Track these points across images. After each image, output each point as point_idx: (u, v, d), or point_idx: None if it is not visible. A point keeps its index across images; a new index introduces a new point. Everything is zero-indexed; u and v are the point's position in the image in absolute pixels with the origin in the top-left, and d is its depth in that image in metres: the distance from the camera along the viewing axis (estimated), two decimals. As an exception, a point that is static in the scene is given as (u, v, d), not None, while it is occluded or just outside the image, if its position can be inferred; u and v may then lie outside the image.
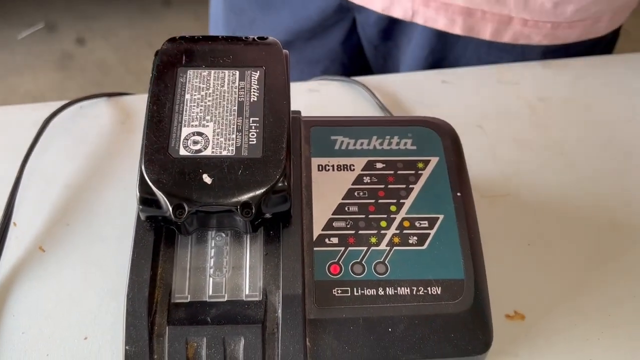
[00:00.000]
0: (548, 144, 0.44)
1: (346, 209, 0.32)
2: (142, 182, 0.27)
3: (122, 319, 0.28)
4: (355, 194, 0.32)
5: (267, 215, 0.28)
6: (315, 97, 0.46)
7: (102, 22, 1.49)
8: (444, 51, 0.51)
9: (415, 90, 0.46)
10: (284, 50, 0.32)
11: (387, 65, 0.57)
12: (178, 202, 0.27)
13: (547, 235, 0.39)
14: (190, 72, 0.31)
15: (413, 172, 0.33)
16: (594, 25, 0.49)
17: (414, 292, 0.30)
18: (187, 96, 0.30)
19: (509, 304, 0.36)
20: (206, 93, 0.30)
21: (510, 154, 0.43)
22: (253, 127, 0.29)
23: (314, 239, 0.31)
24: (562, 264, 0.38)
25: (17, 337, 0.33)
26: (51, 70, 1.37)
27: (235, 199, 0.27)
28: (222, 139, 0.29)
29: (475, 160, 0.34)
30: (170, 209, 0.27)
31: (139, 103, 0.45)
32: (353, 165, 0.33)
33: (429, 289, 0.30)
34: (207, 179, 0.27)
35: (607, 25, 0.50)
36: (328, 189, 0.32)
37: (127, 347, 0.28)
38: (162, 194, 0.27)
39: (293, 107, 0.31)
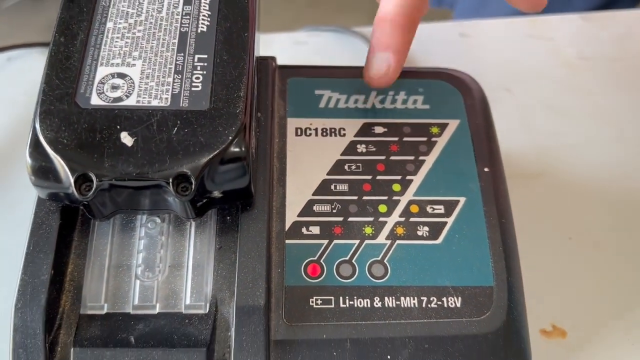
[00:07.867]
0: (592, 112, 0.35)
1: (332, 187, 0.23)
2: (35, 143, 0.19)
3: (8, 337, 0.20)
4: (346, 167, 0.24)
5: (216, 194, 0.20)
6: (302, 52, 0.37)
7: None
8: None
9: (428, 45, 0.37)
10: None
11: None
12: (83, 171, 0.18)
13: (592, 226, 0.31)
14: (116, -7, 0.22)
15: (425, 139, 0.25)
16: None
17: (424, 304, 0.21)
18: (109, 24, 0.21)
19: (545, 316, 0.28)
20: (136, 21, 0.21)
21: (545, 124, 0.35)
22: (198, 68, 0.20)
23: (287, 227, 0.22)
24: (612, 263, 0.30)
25: None
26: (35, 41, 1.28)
27: (166, 169, 0.19)
28: (153, 83, 0.20)
29: (502, 132, 0.26)
30: (72, 181, 0.18)
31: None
32: (343, 129, 0.25)
33: (444, 299, 0.21)
34: (126, 138, 0.19)
35: None
36: (308, 160, 0.24)
37: (12, 379, 0.19)
38: (60, 160, 0.19)
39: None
